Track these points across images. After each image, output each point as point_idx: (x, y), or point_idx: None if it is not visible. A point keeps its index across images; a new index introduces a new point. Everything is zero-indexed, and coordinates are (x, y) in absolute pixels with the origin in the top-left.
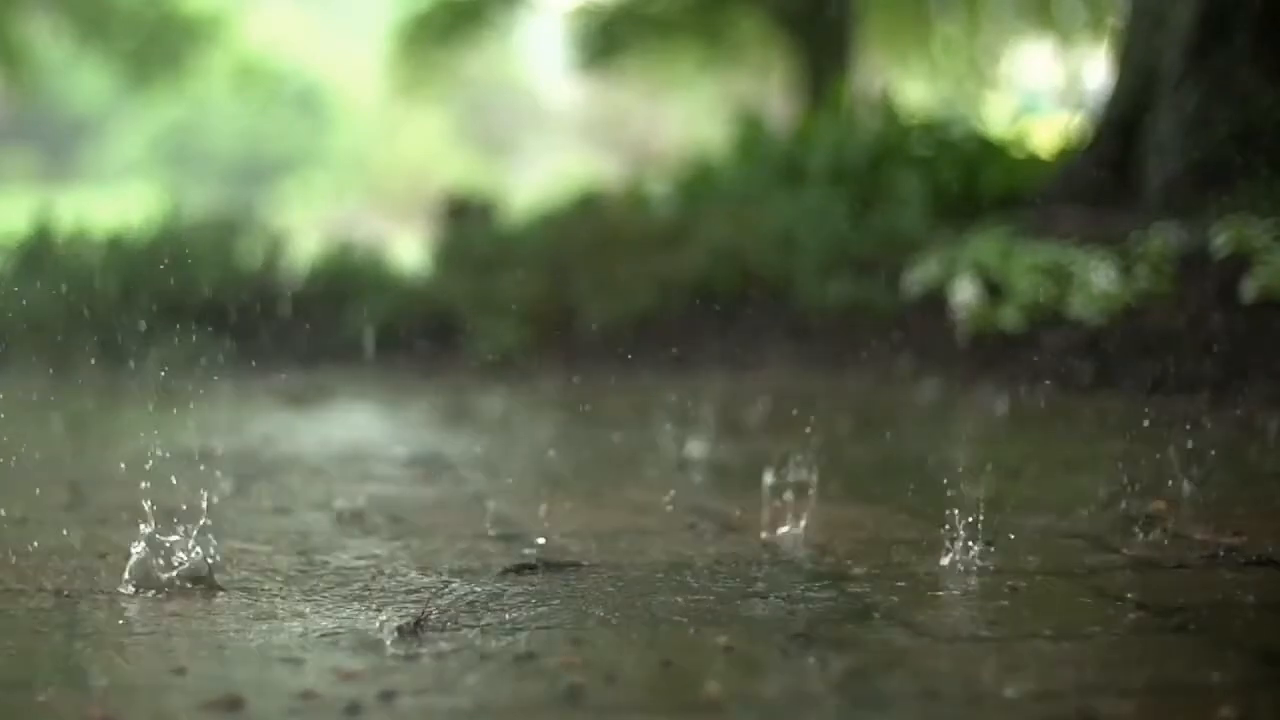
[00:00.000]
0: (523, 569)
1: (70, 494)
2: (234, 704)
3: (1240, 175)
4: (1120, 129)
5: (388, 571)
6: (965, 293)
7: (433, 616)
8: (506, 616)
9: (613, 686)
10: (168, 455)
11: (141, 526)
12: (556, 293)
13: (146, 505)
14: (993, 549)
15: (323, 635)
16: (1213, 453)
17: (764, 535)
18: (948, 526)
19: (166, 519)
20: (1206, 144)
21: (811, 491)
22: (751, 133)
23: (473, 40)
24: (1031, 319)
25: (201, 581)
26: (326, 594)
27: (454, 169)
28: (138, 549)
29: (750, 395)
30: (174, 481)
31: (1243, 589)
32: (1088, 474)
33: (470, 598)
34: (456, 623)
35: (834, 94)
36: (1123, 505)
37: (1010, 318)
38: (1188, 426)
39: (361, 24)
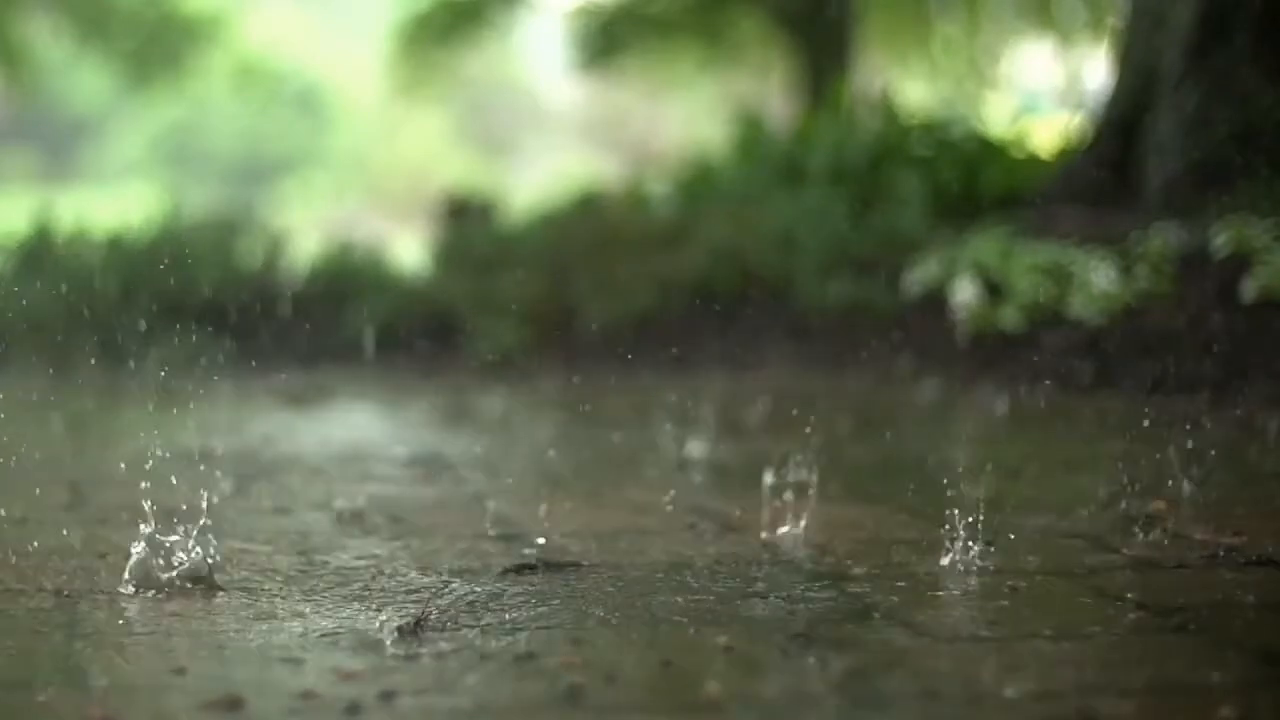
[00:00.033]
0: (523, 569)
1: (70, 494)
2: (234, 704)
3: (1240, 175)
4: (1120, 129)
5: (388, 571)
6: (965, 293)
7: (433, 616)
8: (506, 616)
9: (613, 686)
10: (168, 455)
11: (141, 526)
12: (556, 293)
13: (146, 505)
14: (993, 549)
15: (323, 635)
16: (1213, 453)
17: (764, 535)
18: (948, 526)
19: (166, 519)
20: (1206, 144)
21: (811, 491)
22: (751, 133)
23: (473, 40)
24: (1031, 319)
25: (201, 581)
26: (326, 594)
27: (454, 169)
28: (138, 549)
29: (750, 395)
30: (174, 481)
31: (1243, 589)
32: (1088, 474)
33: (470, 598)
34: (456, 623)
35: (834, 94)
36: (1123, 505)
37: (1010, 318)
38: (1188, 426)
39: (361, 24)
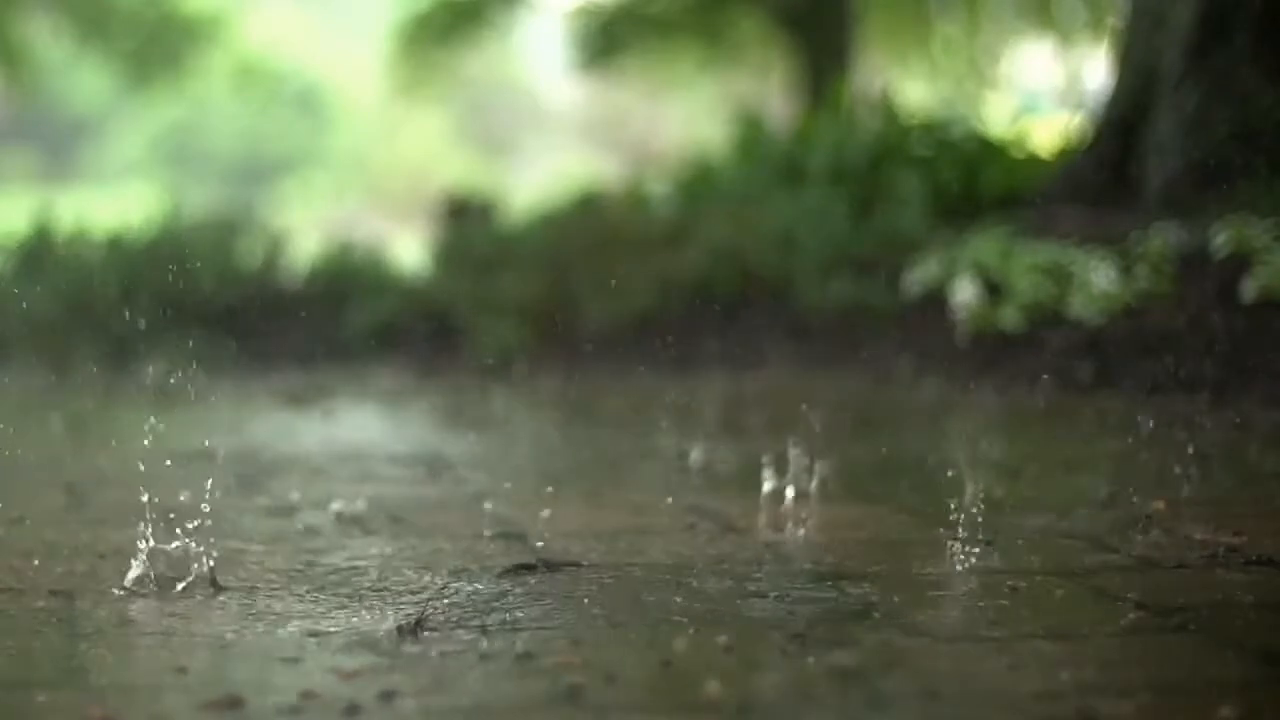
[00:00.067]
0: (523, 569)
1: (70, 494)
2: (234, 704)
3: (1240, 175)
4: (1120, 129)
5: (388, 571)
6: (965, 293)
7: (433, 616)
8: (506, 616)
9: (613, 686)
10: (168, 455)
11: (141, 526)
12: (556, 293)
13: (146, 505)
14: (993, 549)
15: (323, 635)
16: (1213, 453)
17: (764, 535)
18: (948, 526)
19: (166, 519)
20: (1206, 144)
21: (811, 491)
22: (751, 133)
23: (473, 40)
24: (1031, 319)
25: (201, 581)
26: (326, 594)
27: (454, 169)
28: (138, 549)
29: (750, 395)
30: (174, 481)
31: (1243, 589)
32: (1088, 474)
33: (470, 598)
34: (456, 623)
35: (834, 94)
36: (1123, 505)
37: (1010, 318)
38: (1187, 426)
39: (361, 24)
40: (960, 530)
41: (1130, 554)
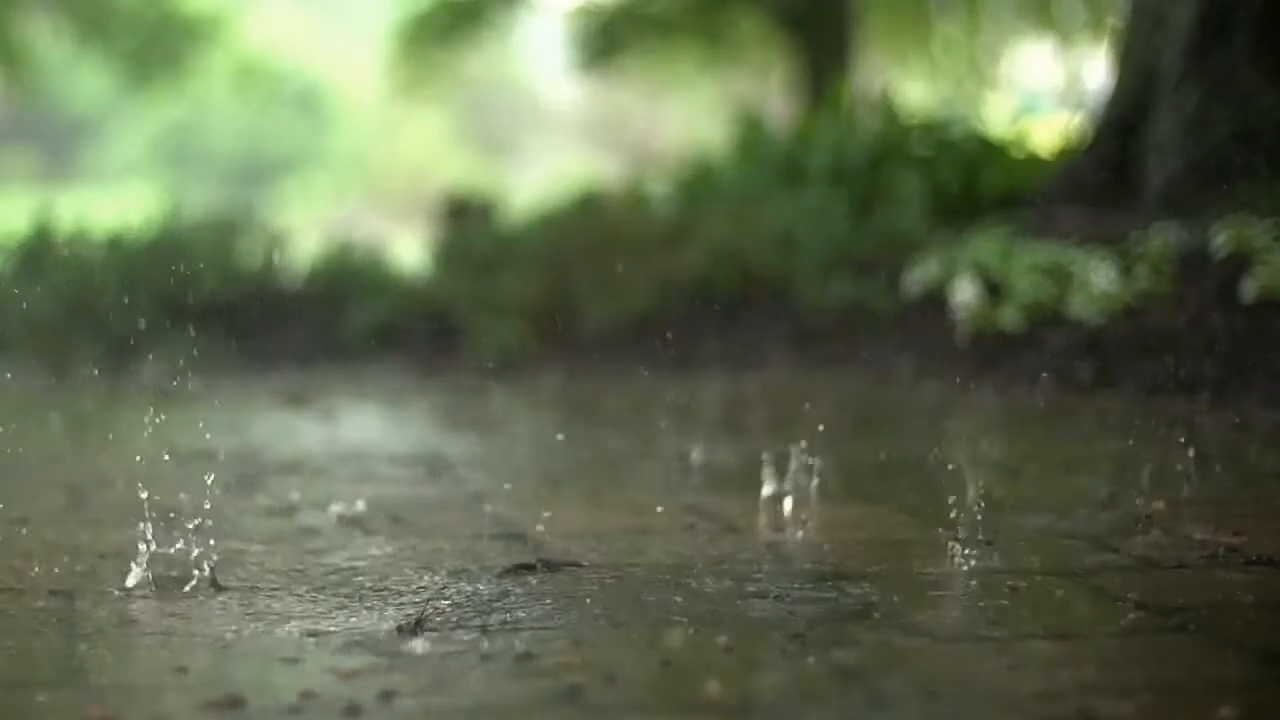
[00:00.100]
0: (523, 569)
1: (70, 494)
2: (234, 704)
3: (1240, 175)
4: (1120, 129)
5: (388, 571)
6: (965, 293)
7: (433, 616)
8: (506, 616)
9: (613, 686)
10: (168, 455)
11: (141, 526)
12: (556, 293)
13: (146, 505)
14: (993, 549)
15: (323, 635)
16: (1213, 453)
17: (764, 535)
18: (948, 526)
19: (167, 519)
20: (1206, 144)
21: (812, 491)
22: (751, 133)
23: (473, 40)
24: (1031, 319)
25: (201, 581)
26: (326, 594)
27: (454, 169)
28: (138, 549)
29: (750, 395)
30: (174, 481)
31: (1243, 589)
32: (1088, 474)
33: (470, 598)
34: (456, 623)
35: (834, 94)
36: (1123, 505)
37: (1010, 318)
38: (1187, 426)
39: (361, 24)
40: (960, 530)
41: (1130, 554)
